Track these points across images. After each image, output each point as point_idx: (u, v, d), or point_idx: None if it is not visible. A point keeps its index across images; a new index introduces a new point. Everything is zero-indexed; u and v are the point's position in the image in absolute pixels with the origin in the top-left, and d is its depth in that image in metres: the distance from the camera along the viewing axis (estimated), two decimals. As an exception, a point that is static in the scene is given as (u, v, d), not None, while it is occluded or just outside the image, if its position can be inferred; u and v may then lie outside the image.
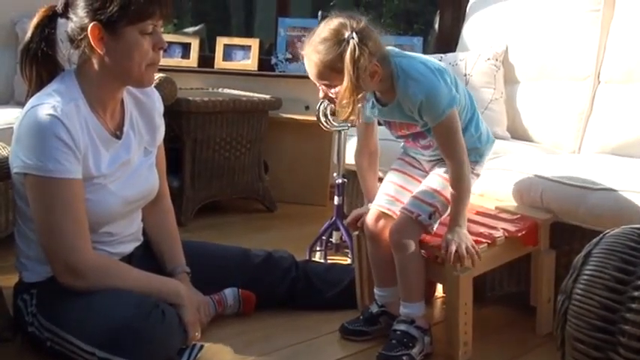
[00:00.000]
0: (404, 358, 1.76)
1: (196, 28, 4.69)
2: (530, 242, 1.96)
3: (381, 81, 1.75)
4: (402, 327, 1.82)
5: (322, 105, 2.47)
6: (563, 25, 2.72)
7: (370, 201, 2.00)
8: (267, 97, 3.36)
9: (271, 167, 3.51)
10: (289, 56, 3.71)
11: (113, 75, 1.68)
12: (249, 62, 3.75)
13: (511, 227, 1.93)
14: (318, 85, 1.76)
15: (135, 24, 1.62)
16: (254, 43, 3.77)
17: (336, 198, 2.54)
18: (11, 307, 1.79)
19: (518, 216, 2.01)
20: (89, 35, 1.62)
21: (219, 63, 3.77)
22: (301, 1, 4.60)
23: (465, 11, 3.18)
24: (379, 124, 1.99)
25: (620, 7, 2.60)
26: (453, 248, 1.75)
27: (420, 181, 1.93)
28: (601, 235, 1.47)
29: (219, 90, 3.60)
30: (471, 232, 1.86)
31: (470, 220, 1.95)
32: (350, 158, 2.62)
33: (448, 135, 1.77)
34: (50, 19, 1.70)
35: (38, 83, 1.69)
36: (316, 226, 2.61)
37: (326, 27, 1.70)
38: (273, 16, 3.89)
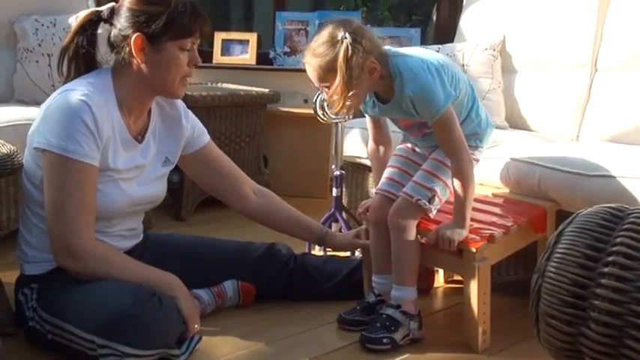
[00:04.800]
0: (384, 340, 1.78)
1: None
2: (539, 229, 1.98)
3: (381, 78, 1.79)
4: (388, 311, 1.84)
5: (319, 98, 2.47)
6: (560, 13, 2.72)
7: None
8: (266, 90, 3.36)
9: (270, 161, 3.51)
10: (287, 50, 3.71)
11: (147, 83, 1.74)
12: (248, 56, 3.74)
13: (521, 215, 1.94)
14: (320, 88, 1.83)
15: (177, 40, 1.70)
16: (252, 38, 3.77)
17: (334, 190, 2.54)
18: (13, 302, 1.81)
19: (524, 204, 2.01)
20: (131, 44, 1.67)
21: (218, 58, 3.77)
22: (299, -6, 4.60)
23: (463, 2, 3.18)
24: None
25: (616, -5, 2.60)
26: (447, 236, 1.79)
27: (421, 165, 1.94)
28: (574, 214, 1.50)
29: (218, 85, 3.60)
30: (483, 222, 1.88)
31: (480, 210, 1.97)
32: (348, 150, 2.64)
33: (445, 132, 1.80)
34: (93, 22, 1.77)
35: (75, 76, 1.75)
36: (316, 218, 2.58)
37: (321, 32, 1.77)
38: (270, 10, 3.89)
